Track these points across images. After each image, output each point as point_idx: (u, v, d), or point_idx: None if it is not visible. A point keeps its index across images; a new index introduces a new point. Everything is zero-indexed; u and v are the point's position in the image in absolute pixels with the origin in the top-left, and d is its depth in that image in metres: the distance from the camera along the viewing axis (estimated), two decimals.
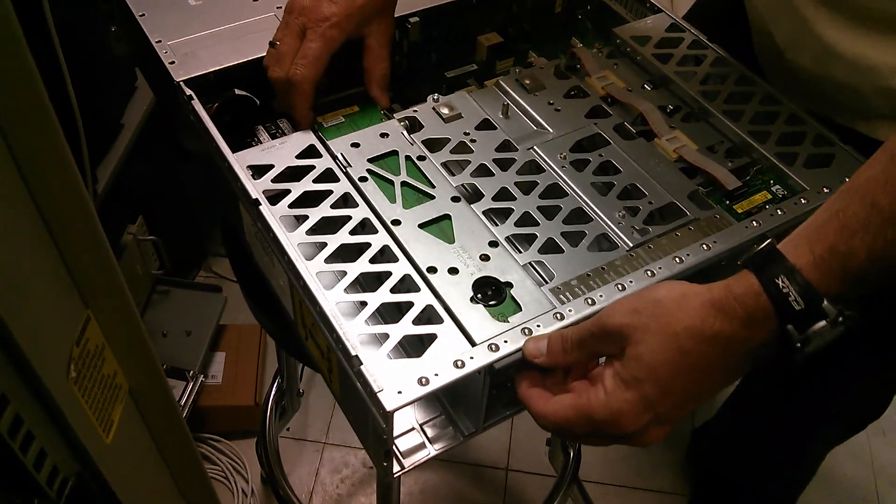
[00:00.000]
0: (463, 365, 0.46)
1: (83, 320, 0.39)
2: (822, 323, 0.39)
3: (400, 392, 0.44)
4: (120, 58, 0.71)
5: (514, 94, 0.65)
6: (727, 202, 0.58)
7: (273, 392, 1.02)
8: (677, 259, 0.52)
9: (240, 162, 0.55)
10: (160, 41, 0.63)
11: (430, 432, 0.51)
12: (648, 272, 0.51)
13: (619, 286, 0.50)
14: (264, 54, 0.62)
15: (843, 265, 0.39)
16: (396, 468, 0.49)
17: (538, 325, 0.48)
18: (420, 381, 0.45)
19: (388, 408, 0.44)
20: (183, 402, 1.10)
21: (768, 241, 0.41)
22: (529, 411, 0.46)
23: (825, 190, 0.58)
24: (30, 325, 0.34)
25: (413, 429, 0.51)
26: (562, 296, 0.50)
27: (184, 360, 1.16)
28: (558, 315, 0.49)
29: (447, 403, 0.53)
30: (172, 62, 0.62)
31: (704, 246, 0.53)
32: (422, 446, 0.50)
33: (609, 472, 1.22)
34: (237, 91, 0.63)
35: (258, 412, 1.09)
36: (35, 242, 0.36)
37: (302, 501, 0.97)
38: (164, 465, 0.52)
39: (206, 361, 1.19)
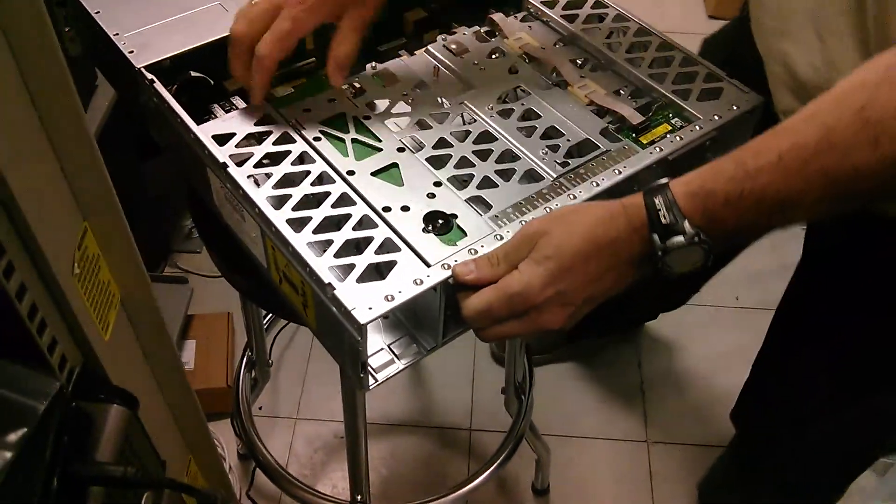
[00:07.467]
0: (422, 282, 0.53)
1: (82, 230, 0.46)
2: (680, 238, 0.49)
3: (370, 308, 0.52)
4: (75, 58, 0.75)
5: (442, 58, 0.73)
6: (633, 135, 0.67)
7: (243, 364, 1.07)
8: (594, 184, 0.61)
9: (204, 132, 0.62)
10: (117, 34, 0.69)
11: (397, 350, 0.59)
12: (571, 196, 0.60)
13: (547, 209, 0.59)
14: (213, 39, 0.68)
15: (704, 202, 0.49)
16: (371, 382, 0.56)
17: (482, 246, 0.56)
18: (386, 298, 0.52)
19: (362, 321, 0.51)
20: None
21: (665, 178, 0.51)
22: (461, 308, 0.53)
23: (716, 117, 0.67)
24: (45, 226, 0.41)
25: (382, 349, 0.58)
26: (500, 221, 0.58)
27: None
28: (498, 236, 0.57)
29: (409, 325, 0.60)
30: (131, 51, 0.67)
31: (616, 171, 0.62)
32: (391, 362, 0.58)
33: (568, 424, 1.30)
34: (192, 73, 0.69)
35: (230, 394, 1.13)
36: (43, 160, 0.43)
37: (280, 464, 1.02)
38: (147, 367, 0.59)
39: (177, 349, 1.24)
